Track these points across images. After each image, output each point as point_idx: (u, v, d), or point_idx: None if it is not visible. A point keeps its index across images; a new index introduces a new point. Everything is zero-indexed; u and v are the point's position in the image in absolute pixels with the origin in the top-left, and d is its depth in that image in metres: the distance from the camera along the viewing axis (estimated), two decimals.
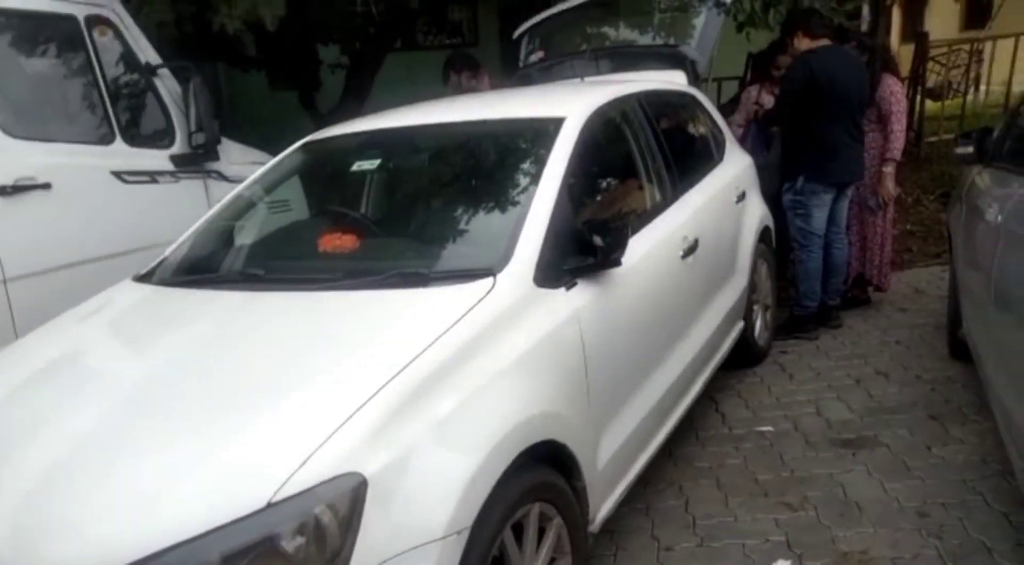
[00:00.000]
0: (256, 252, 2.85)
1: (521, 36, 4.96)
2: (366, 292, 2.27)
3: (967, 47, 10.57)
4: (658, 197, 3.20)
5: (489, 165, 2.91)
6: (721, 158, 4.05)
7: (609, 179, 3.07)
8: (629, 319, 2.67)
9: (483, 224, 2.59)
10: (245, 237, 2.93)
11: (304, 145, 3.32)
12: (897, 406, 3.71)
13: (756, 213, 4.19)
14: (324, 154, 3.29)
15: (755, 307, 4.26)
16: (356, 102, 7.76)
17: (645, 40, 4.68)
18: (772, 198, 4.54)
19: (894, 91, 4.63)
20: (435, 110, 3.26)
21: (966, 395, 3.72)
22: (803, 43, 4.40)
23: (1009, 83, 9.77)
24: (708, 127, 4.07)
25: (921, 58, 9.26)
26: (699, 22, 4.46)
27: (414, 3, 6.02)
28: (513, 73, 4.98)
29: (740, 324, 3.99)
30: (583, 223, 2.51)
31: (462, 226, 2.61)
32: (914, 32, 18.11)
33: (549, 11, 4.95)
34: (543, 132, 2.79)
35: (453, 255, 2.50)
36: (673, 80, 4.23)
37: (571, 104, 2.99)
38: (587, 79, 4.33)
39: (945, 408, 3.64)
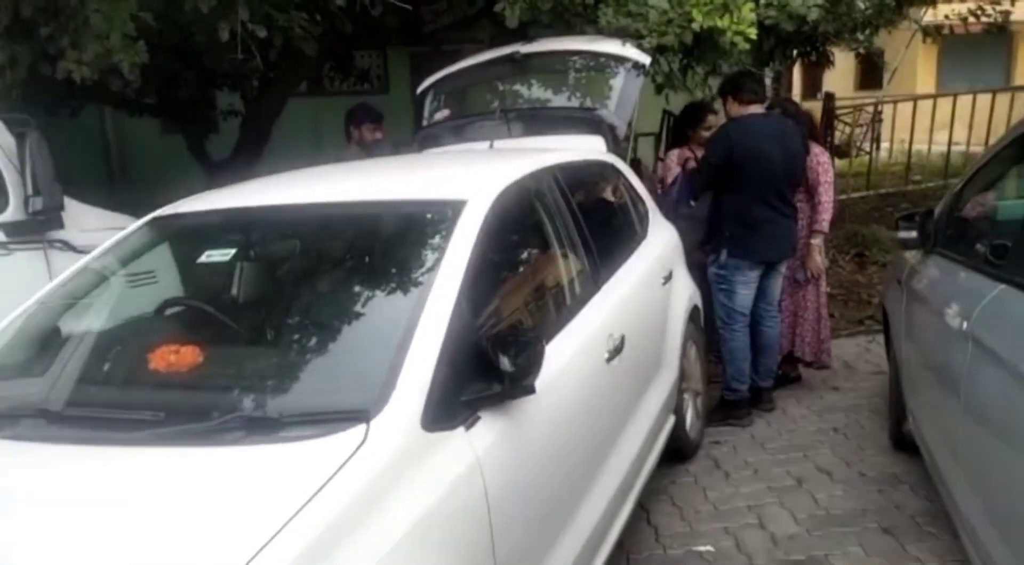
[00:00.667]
0: (63, 369, 2.17)
1: (425, 92, 4.45)
2: (189, 450, 1.64)
3: (870, 107, 10.74)
4: (579, 290, 2.69)
5: (370, 263, 2.33)
6: (645, 234, 3.60)
7: (520, 274, 2.53)
8: (546, 455, 2.12)
9: (358, 344, 2.00)
10: (52, 346, 2.24)
11: (152, 221, 2.66)
12: (845, 515, 3.27)
13: (684, 293, 3.75)
14: (172, 235, 2.64)
15: (685, 396, 3.80)
16: (252, 151, 7.08)
17: (561, 101, 4.24)
18: (699, 248, 4.18)
19: (821, 161, 4.32)
20: (311, 184, 2.66)
21: (917, 500, 3.32)
22: (732, 109, 4.05)
23: (910, 142, 9.93)
24: (630, 200, 3.63)
25: (828, 117, 9.28)
26: (617, 83, 4.04)
27: (310, 50, 5.43)
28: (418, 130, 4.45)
29: (671, 420, 3.51)
30: (487, 339, 1.97)
31: (330, 346, 2.01)
32: (813, 91, 18.77)
33: (455, 66, 4.46)
34: (439, 219, 2.25)
35: (316, 388, 1.89)
36: (591, 147, 3.78)
37: (475, 182, 2.47)
38: (497, 143, 3.86)
39: (898, 517, 3.21)
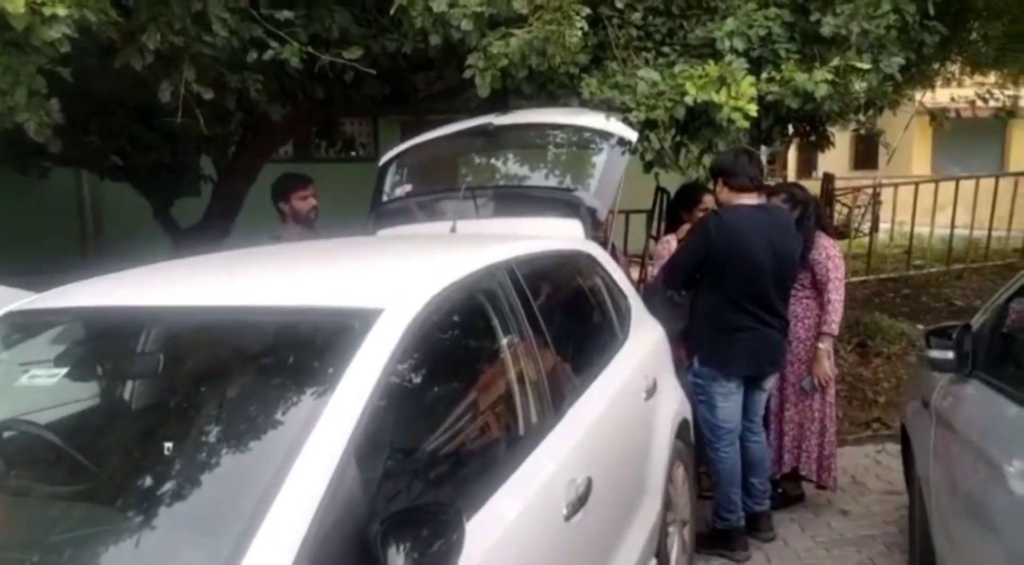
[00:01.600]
0: None
1: (388, 164, 3.93)
2: None
3: (869, 188, 10.33)
4: (534, 421, 2.08)
5: (238, 397, 1.72)
6: (625, 336, 3.01)
7: (452, 408, 1.91)
8: None
9: (181, 531, 1.38)
10: None
11: (5, 317, 2.07)
12: None
13: (671, 406, 3.14)
14: (21, 338, 2.05)
15: (670, 528, 3.14)
16: (222, 220, 6.57)
17: (536, 179, 3.71)
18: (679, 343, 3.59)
19: (831, 255, 3.77)
20: (198, 278, 2.07)
21: None
22: (723, 195, 3.49)
23: (912, 225, 9.48)
24: (609, 297, 3.05)
25: (827, 198, 8.83)
26: (600, 161, 3.53)
27: (276, 114, 4.96)
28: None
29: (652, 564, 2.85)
30: (382, 521, 1.36)
31: (152, 527, 1.39)
32: (809, 170, 18.49)
33: (422, 136, 3.96)
34: (339, 336, 1.66)
35: None
36: (567, 232, 3.23)
37: (403, 282, 1.89)
38: (461, 225, 3.31)
39: None
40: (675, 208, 4.55)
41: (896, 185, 9.58)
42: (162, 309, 1.88)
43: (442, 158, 4.00)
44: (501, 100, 4.19)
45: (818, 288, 3.80)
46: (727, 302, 3.31)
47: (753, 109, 3.49)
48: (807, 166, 18.20)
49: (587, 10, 3.44)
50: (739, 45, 3.88)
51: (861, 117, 6.58)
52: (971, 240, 9.76)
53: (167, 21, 3.37)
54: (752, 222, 3.35)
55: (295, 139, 10.02)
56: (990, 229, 9.59)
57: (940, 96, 9.32)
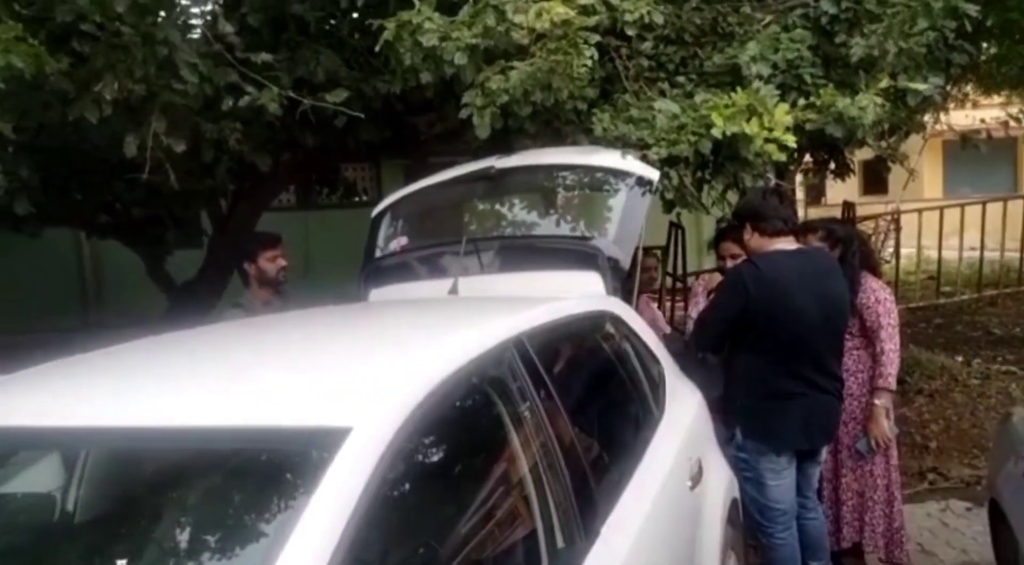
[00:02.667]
0: None
1: (381, 215, 3.49)
2: None
3: (888, 215, 9.84)
4: (560, 545, 1.59)
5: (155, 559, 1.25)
6: (661, 410, 2.52)
7: (451, 548, 1.43)
8: None
9: None
10: None
11: None
12: None
13: (720, 490, 2.63)
14: None
15: None
16: (218, 274, 6.15)
17: (547, 228, 3.25)
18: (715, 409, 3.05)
19: (881, 298, 3.28)
20: (121, 382, 1.60)
21: None
22: (753, 241, 2.97)
23: (939, 251, 8.99)
24: (640, 365, 2.56)
25: (851, 224, 8.34)
26: (618, 204, 3.06)
27: (263, 164, 4.56)
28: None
29: None
30: None
31: None
32: (817, 198, 18.00)
33: (418, 183, 3.53)
34: (293, 469, 1.20)
35: None
36: (585, 287, 2.77)
37: (378, 385, 1.42)
38: (464, 283, 2.86)
39: None
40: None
41: (920, 211, 9.09)
42: (72, 431, 1.41)
43: (440, 207, 3.56)
44: (504, 140, 3.78)
45: (868, 336, 3.30)
46: (771, 365, 2.81)
47: (791, 140, 3.04)
48: (815, 195, 17.71)
49: (596, 37, 3.01)
50: (763, 70, 3.45)
51: (884, 143, 6.15)
52: (1004, 264, 9.24)
53: (126, 68, 2.97)
54: (792, 270, 2.85)
55: (297, 186, 9.70)
56: (1023, 252, 9.07)
57: (953, 118, 8.90)
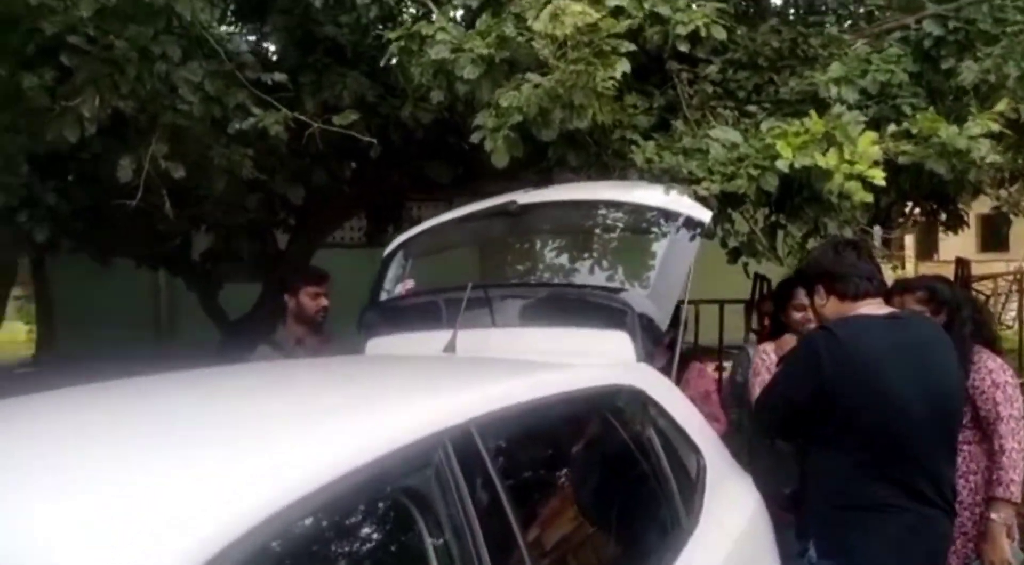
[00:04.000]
0: None
1: (391, 255, 3.04)
2: None
3: (1010, 275, 8.71)
4: None
5: None
6: (695, 519, 1.89)
7: None
8: None
9: None
10: None
11: None
12: None
13: None
14: None
15: None
16: (272, 310, 5.92)
17: (573, 274, 2.69)
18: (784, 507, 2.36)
19: (999, 381, 2.54)
20: None
21: None
22: (827, 307, 2.27)
23: None
24: (666, 458, 1.94)
25: (963, 288, 7.34)
26: (660, 250, 2.49)
27: (295, 197, 4.25)
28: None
29: None
30: None
31: None
32: (928, 253, 16.55)
33: (432, 220, 3.07)
34: None
35: None
36: (609, 348, 2.20)
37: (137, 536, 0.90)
38: (465, 335, 2.35)
39: None
40: (775, 310, 3.42)
41: None
42: None
43: (455, 246, 3.08)
44: (545, 175, 3.30)
45: (983, 428, 2.57)
46: (859, 466, 2.09)
47: (879, 176, 2.39)
48: (926, 250, 16.33)
49: (630, 46, 2.47)
50: (848, 96, 2.84)
51: (1003, 191, 5.28)
52: None
53: (110, 83, 2.66)
54: (884, 341, 2.14)
55: (368, 222, 9.51)
56: None
57: None
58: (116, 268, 6.09)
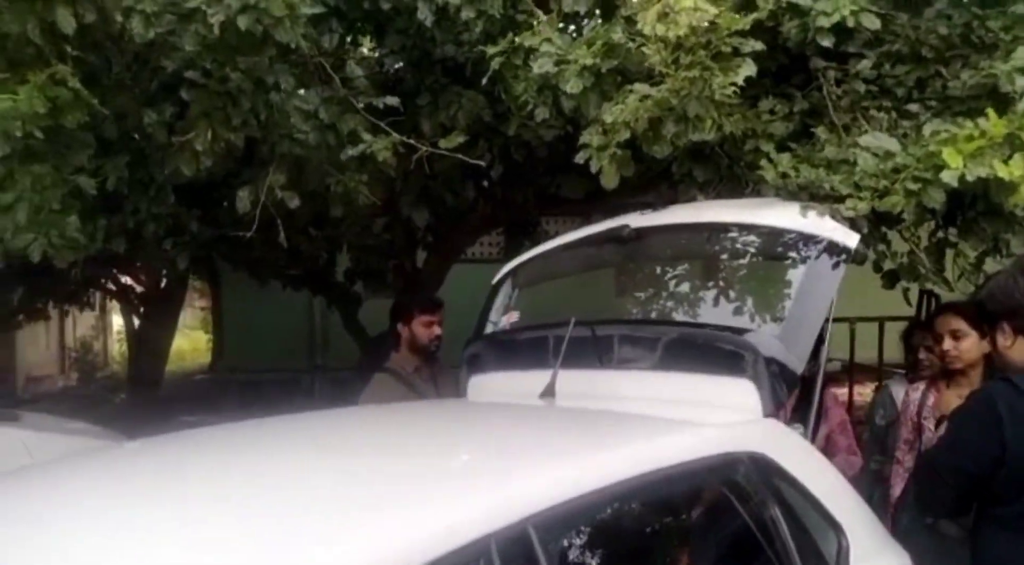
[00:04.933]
0: None
1: (500, 283, 2.82)
2: None
3: None
4: None
5: None
6: None
7: None
8: None
9: None
10: None
11: None
12: None
13: None
14: None
15: None
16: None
17: (689, 311, 2.33)
18: None
19: None
20: None
21: None
22: (1016, 350, 1.81)
23: None
24: (798, 540, 1.56)
25: None
26: (795, 280, 2.10)
27: (420, 220, 4.16)
28: None
29: None
30: None
31: None
32: None
33: (546, 244, 2.82)
34: None
35: None
36: (730, 399, 1.86)
37: None
38: (567, 377, 2.09)
39: None
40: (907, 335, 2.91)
41: None
42: None
43: (565, 275, 2.81)
44: (668, 189, 2.97)
45: None
46: None
47: None
48: None
49: (757, 45, 2.10)
50: None
51: None
52: None
53: (223, 117, 2.64)
54: None
55: (506, 238, 9.43)
56: None
57: None
58: (276, 286, 6.37)
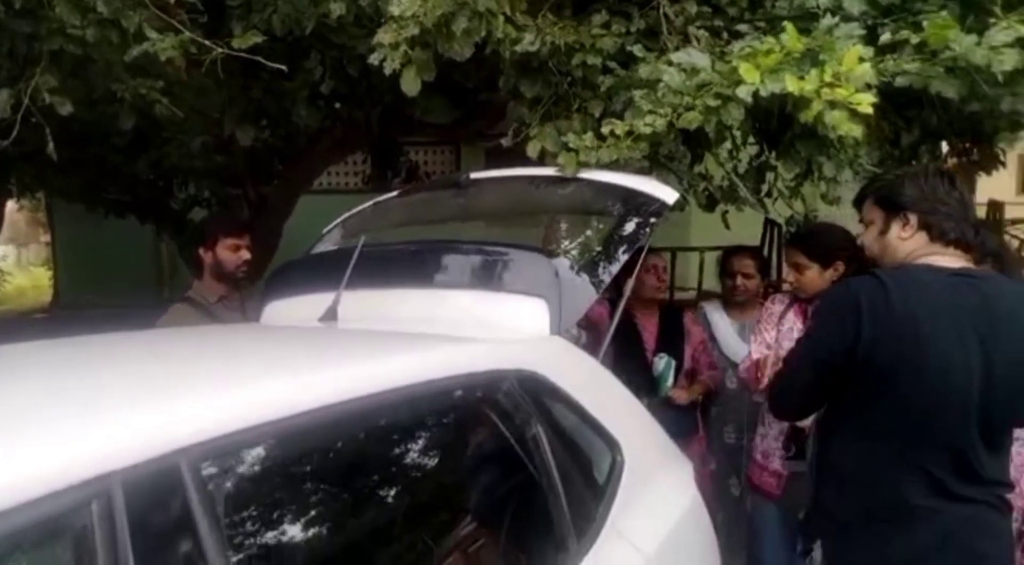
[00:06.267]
0: None
1: (325, 236, 2.62)
2: None
3: None
4: None
5: None
6: (592, 538, 1.48)
7: None
8: None
9: None
10: None
11: None
12: None
13: None
14: None
15: None
16: (255, 258, 5.62)
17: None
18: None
19: None
20: None
21: None
22: (908, 243, 1.72)
23: None
24: (565, 462, 1.50)
25: (997, 231, 6.65)
26: (611, 225, 2.01)
27: (245, 139, 3.83)
28: None
29: None
30: None
31: None
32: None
33: (381, 198, 2.64)
34: None
35: None
36: (517, 318, 1.78)
37: None
38: (354, 297, 1.95)
39: None
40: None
41: None
42: None
43: (400, 225, 2.66)
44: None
45: None
46: (892, 456, 1.63)
47: (866, 102, 1.86)
48: None
49: None
50: (851, 6, 2.27)
51: None
52: None
53: None
54: (940, 300, 1.61)
55: (373, 167, 9.05)
56: None
57: None
58: (122, 223, 5.83)
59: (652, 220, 2.02)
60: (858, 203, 1.86)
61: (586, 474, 1.56)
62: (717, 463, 2.94)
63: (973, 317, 1.60)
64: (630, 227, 2.01)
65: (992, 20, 1.91)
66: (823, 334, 1.70)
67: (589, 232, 2.13)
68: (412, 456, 1.28)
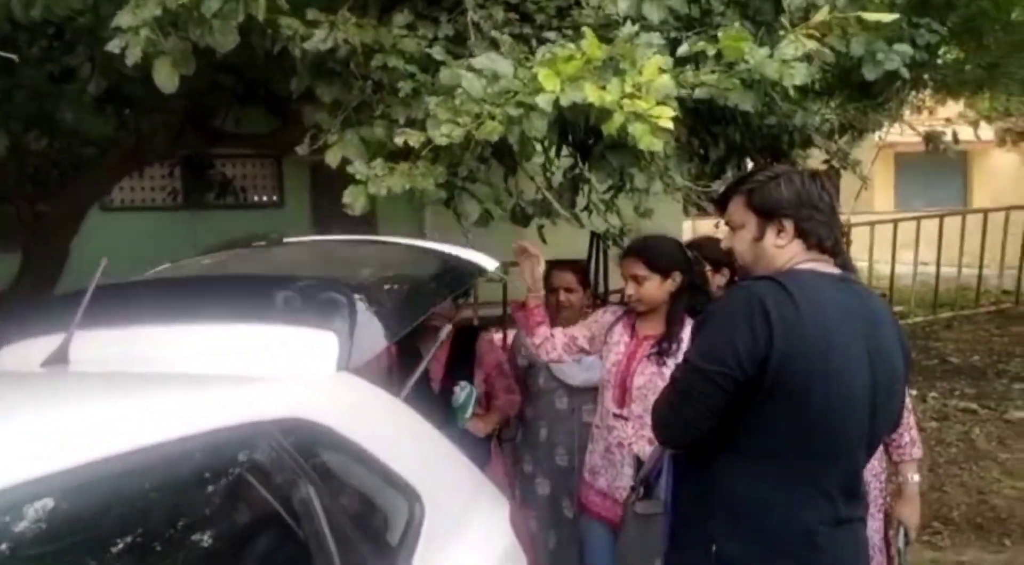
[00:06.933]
0: None
1: None
2: None
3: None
4: None
5: None
6: None
7: None
8: None
9: None
10: None
11: None
12: None
13: None
14: None
15: None
16: (41, 283, 4.86)
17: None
18: None
19: None
20: None
21: None
22: (785, 252, 1.58)
23: (892, 268, 8.00)
24: (345, 521, 1.29)
25: None
26: (427, 276, 1.84)
27: None
28: None
29: None
30: None
31: None
32: None
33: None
34: None
35: None
36: (300, 355, 1.53)
37: None
38: (90, 337, 1.62)
39: None
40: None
41: (873, 224, 8.04)
42: None
43: None
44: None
45: None
46: (792, 478, 1.51)
47: (666, 115, 1.80)
48: None
49: None
50: (651, 13, 2.23)
51: (835, 143, 5.02)
52: (959, 282, 8.23)
53: None
54: (836, 307, 1.52)
55: (186, 184, 8.29)
56: (980, 270, 8.06)
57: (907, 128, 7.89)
58: None
59: (467, 280, 1.90)
60: (721, 202, 1.71)
61: (375, 535, 1.34)
62: (551, 486, 2.83)
63: (863, 325, 1.53)
64: (442, 282, 1.85)
65: (782, 33, 1.93)
66: (726, 343, 1.48)
67: (398, 282, 1.92)
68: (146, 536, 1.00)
